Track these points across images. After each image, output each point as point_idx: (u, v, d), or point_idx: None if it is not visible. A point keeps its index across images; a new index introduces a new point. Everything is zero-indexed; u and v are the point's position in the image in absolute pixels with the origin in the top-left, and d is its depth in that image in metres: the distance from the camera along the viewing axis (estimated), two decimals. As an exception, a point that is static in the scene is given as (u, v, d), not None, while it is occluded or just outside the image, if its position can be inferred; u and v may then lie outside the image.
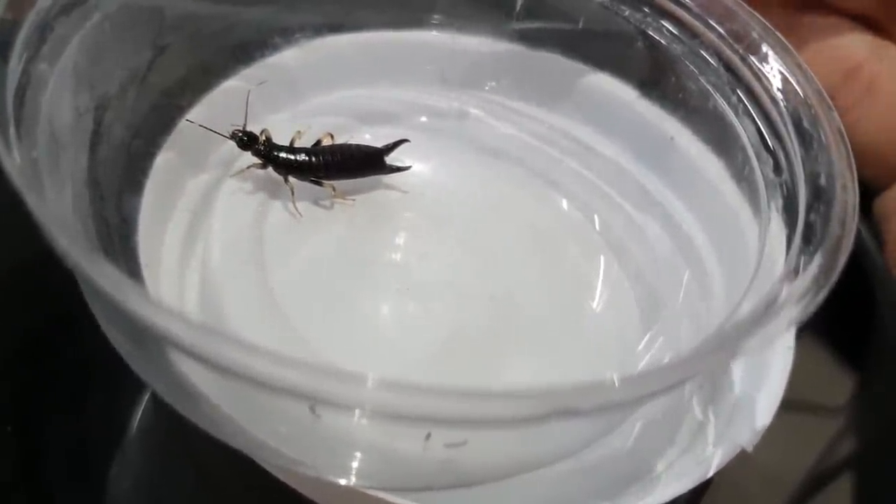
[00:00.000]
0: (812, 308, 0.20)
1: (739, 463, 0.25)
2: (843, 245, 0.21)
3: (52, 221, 0.17)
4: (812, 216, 0.23)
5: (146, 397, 0.29)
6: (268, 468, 0.23)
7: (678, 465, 0.25)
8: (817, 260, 0.21)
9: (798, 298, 0.20)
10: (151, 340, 0.20)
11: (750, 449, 0.24)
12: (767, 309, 0.20)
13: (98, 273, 0.17)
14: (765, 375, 0.26)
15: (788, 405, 0.25)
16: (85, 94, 0.25)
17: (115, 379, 0.28)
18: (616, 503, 0.24)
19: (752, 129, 0.27)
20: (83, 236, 0.22)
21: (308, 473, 0.22)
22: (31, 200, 0.17)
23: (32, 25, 0.22)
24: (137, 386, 0.29)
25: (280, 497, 0.24)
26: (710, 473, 0.24)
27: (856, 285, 0.36)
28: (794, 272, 0.21)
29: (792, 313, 0.19)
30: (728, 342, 0.20)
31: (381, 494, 0.22)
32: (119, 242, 0.25)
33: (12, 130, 0.19)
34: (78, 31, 0.24)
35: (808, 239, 0.22)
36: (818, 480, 0.30)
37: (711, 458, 0.24)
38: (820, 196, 0.23)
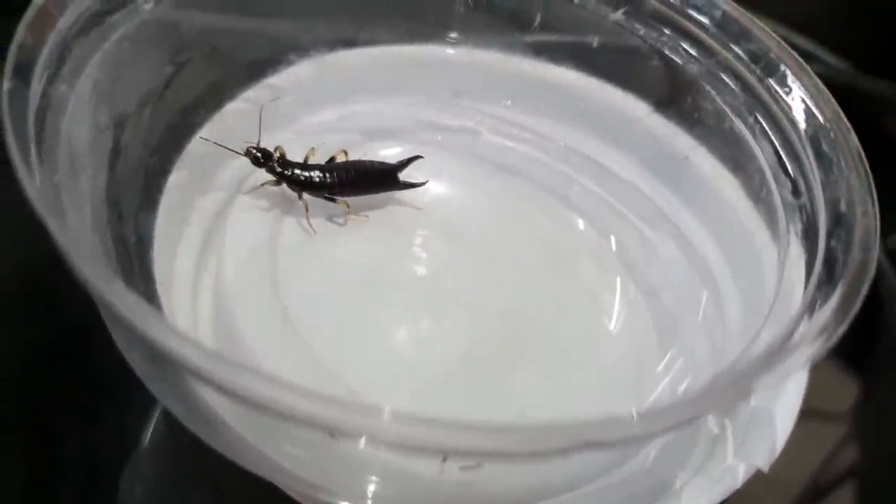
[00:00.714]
0: (831, 343, 0.19)
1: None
2: (865, 275, 0.21)
3: (75, 250, 0.17)
4: (833, 243, 0.22)
5: (158, 412, 0.29)
6: (285, 490, 0.23)
7: (695, 484, 0.25)
8: (838, 292, 0.21)
9: (816, 335, 0.20)
10: (171, 367, 0.20)
11: (766, 470, 0.24)
12: (784, 345, 0.20)
13: (124, 304, 0.17)
14: (781, 396, 0.26)
15: None
16: (104, 114, 0.25)
17: (127, 393, 0.28)
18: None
19: (769, 150, 0.27)
20: (104, 261, 0.22)
21: (325, 498, 0.22)
22: (54, 227, 0.17)
23: (52, 47, 0.22)
24: (149, 401, 0.29)
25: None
26: (727, 495, 0.24)
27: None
28: (812, 306, 0.21)
29: (809, 351, 0.19)
30: (744, 379, 0.19)
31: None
32: (136, 261, 0.25)
33: (34, 154, 0.19)
34: (97, 50, 0.24)
35: (829, 267, 0.22)
36: (823, 486, 0.30)
37: (728, 479, 0.24)
38: (840, 222, 0.23)
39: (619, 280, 0.31)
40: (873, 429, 0.33)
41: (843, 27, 0.48)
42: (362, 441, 0.19)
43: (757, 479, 0.27)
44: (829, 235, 0.23)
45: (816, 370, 0.33)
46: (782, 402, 0.25)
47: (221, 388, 0.17)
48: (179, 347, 0.17)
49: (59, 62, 0.22)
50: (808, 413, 0.31)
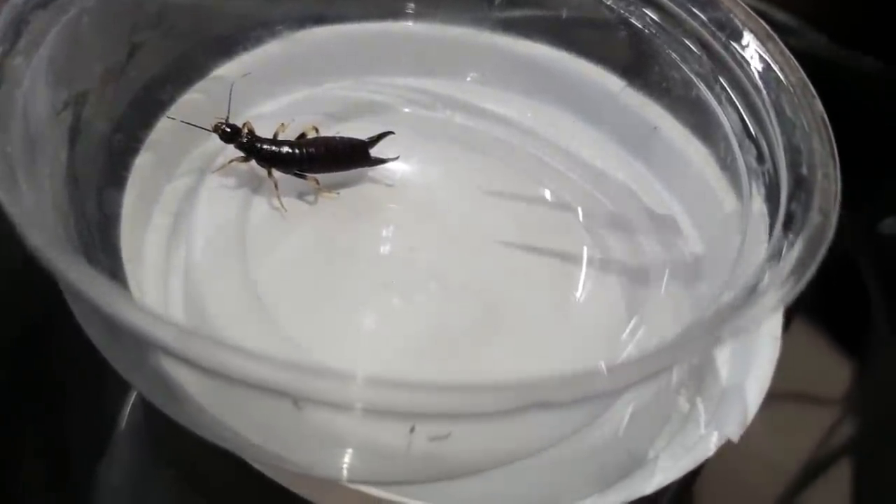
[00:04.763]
0: (793, 294, 0.20)
1: (737, 451, 0.25)
2: (824, 234, 0.21)
3: (25, 219, 0.17)
4: (793, 205, 0.23)
5: (134, 395, 0.29)
6: (254, 464, 0.23)
7: (667, 454, 0.25)
8: (798, 247, 0.21)
9: (780, 284, 0.20)
10: (130, 340, 0.20)
11: (736, 439, 0.25)
12: (749, 294, 0.20)
13: (73, 272, 0.16)
14: (752, 366, 0.26)
15: (785, 394, 0.25)
16: (63, 89, 0.24)
17: (102, 376, 0.28)
18: (605, 492, 0.24)
19: (734, 117, 0.27)
20: (61, 233, 0.22)
21: (293, 469, 0.22)
22: (4, 197, 0.17)
23: (7, 19, 0.22)
24: (125, 383, 0.29)
25: (268, 493, 0.24)
26: (698, 463, 0.24)
27: (850, 275, 0.36)
28: (776, 259, 0.21)
29: (773, 299, 0.19)
30: (709, 328, 0.20)
31: (365, 488, 0.22)
32: (100, 239, 0.25)
33: None
34: (55, 24, 0.24)
35: (788, 227, 0.22)
36: (815, 469, 0.30)
37: (700, 448, 0.25)
38: (801, 184, 0.23)
39: (586, 250, 0.31)
40: (866, 411, 0.33)
41: (822, 1, 0.48)
42: (326, 406, 0.19)
43: (751, 463, 0.27)
44: (791, 198, 0.23)
45: (809, 353, 0.33)
46: (753, 378, 0.26)
47: (185, 359, 0.17)
48: (138, 318, 0.17)
49: (14, 35, 0.22)
50: (801, 396, 0.31)
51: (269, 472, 0.24)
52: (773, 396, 0.25)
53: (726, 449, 0.24)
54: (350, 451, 0.22)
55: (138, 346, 0.20)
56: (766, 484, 0.30)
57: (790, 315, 0.28)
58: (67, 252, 0.17)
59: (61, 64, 0.24)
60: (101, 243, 0.25)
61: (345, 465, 0.22)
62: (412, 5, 0.34)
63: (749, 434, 0.25)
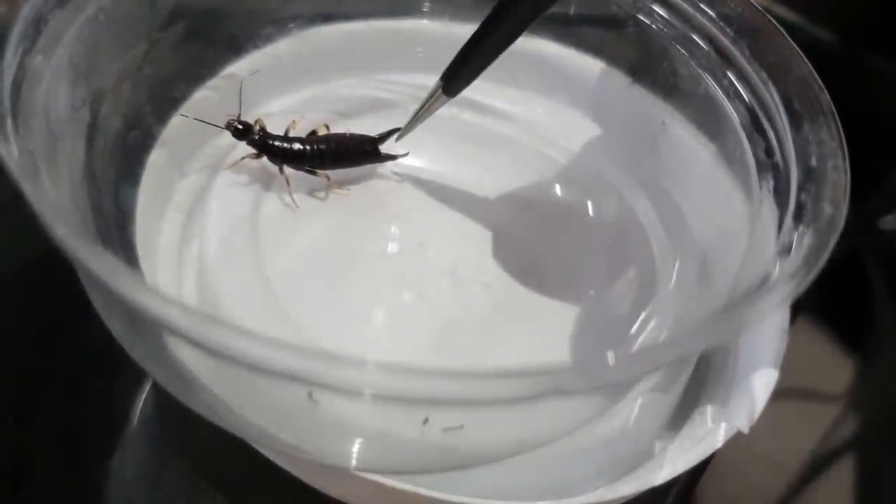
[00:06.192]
0: (804, 286, 0.20)
1: (741, 448, 0.25)
2: (834, 224, 0.21)
3: (49, 211, 0.17)
4: (803, 196, 0.23)
5: (147, 388, 0.29)
6: (267, 454, 0.24)
7: (676, 446, 0.25)
8: (808, 239, 0.21)
9: (790, 276, 0.20)
10: (149, 328, 0.20)
11: (746, 430, 0.25)
12: (761, 285, 0.20)
13: (94, 260, 0.17)
14: (760, 358, 0.27)
15: (789, 390, 0.25)
16: (81, 87, 0.25)
17: (115, 370, 0.28)
18: (615, 483, 0.24)
19: (743, 111, 0.27)
20: (81, 225, 0.22)
21: (306, 459, 0.23)
22: (29, 190, 0.18)
23: (27, 19, 0.22)
24: (138, 377, 0.29)
25: (280, 484, 0.24)
26: (707, 455, 0.24)
27: (853, 272, 0.36)
28: (786, 250, 0.21)
29: (784, 291, 0.20)
30: (722, 319, 0.20)
31: (378, 478, 0.22)
32: (117, 233, 0.26)
33: (9, 123, 0.20)
34: (73, 23, 0.24)
35: (798, 218, 0.22)
36: (819, 465, 0.30)
37: (709, 440, 0.25)
38: (811, 176, 0.23)
39: (595, 244, 0.31)
40: (869, 407, 0.33)
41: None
42: (341, 395, 0.19)
43: (754, 459, 0.27)
44: (800, 189, 0.23)
45: (812, 350, 0.33)
46: (761, 369, 0.26)
47: (204, 345, 0.17)
48: (158, 304, 0.17)
49: (34, 34, 0.22)
50: (805, 392, 0.31)
51: (282, 462, 0.24)
52: (777, 393, 0.26)
53: (731, 445, 0.25)
54: (364, 442, 0.23)
55: (157, 334, 0.20)
56: (769, 480, 0.30)
57: (793, 311, 0.28)
58: (90, 243, 0.17)
59: (79, 62, 0.24)
60: (118, 239, 0.25)
61: (359, 456, 0.23)
62: (422, 3, 0.34)
63: (753, 431, 0.25)
